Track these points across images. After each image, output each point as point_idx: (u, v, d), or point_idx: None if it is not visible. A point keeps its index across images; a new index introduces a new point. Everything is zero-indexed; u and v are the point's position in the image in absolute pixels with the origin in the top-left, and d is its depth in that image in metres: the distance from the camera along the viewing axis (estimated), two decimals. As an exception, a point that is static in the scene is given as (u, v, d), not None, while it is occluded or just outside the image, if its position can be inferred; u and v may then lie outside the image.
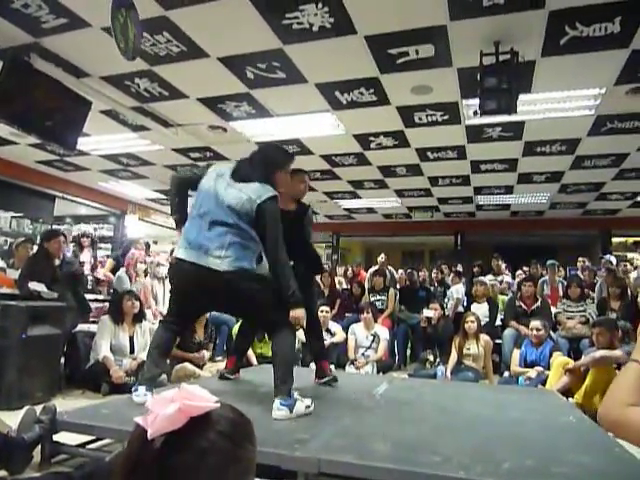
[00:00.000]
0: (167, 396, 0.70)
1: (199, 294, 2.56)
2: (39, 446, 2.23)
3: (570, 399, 3.75)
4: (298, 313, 2.53)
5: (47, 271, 4.37)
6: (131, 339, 4.40)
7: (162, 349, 2.71)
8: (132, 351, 4.37)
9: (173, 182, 2.77)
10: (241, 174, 2.56)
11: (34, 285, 4.11)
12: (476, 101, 3.76)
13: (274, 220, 2.49)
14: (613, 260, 7.02)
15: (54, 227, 7.74)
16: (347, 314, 6.55)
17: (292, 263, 3.28)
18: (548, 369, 4.36)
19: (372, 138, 5.80)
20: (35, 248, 5.20)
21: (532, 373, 4.44)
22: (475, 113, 3.82)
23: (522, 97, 3.73)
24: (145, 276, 5.69)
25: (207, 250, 2.43)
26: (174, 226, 2.78)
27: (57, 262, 4.63)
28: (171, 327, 2.72)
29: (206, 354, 4.85)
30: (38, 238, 5.80)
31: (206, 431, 0.70)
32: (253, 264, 2.49)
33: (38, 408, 2.37)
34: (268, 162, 2.65)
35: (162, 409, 0.68)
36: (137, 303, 4.48)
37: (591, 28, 3.32)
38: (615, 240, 10.11)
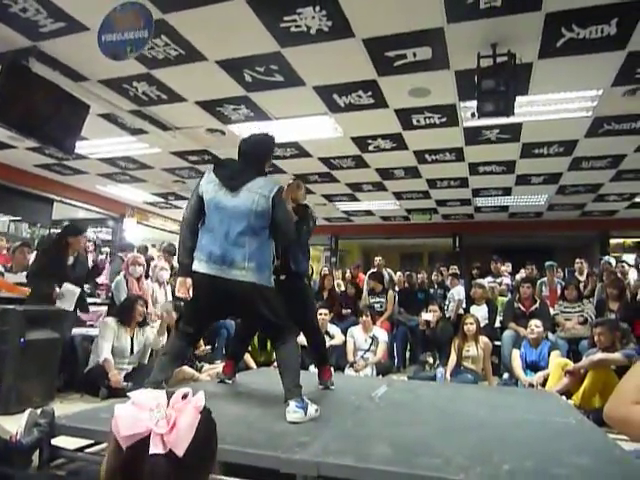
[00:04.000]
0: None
1: (220, 304, 2.63)
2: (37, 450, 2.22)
3: (569, 400, 3.75)
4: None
5: (61, 268, 4.32)
6: (132, 342, 4.38)
7: (172, 356, 2.73)
8: (132, 354, 4.35)
9: (187, 222, 2.65)
10: (241, 177, 2.57)
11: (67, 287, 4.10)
12: (473, 103, 3.77)
13: (285, 210, 2.68)
14: (612, 262, 7.02)
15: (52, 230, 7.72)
16: (343, 310, 6.50)
17: (284, 277, 3.21)
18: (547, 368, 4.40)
19: (370, 141, 5.81)
20: (33, 252, 5.15)
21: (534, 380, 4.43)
22: (473, 115, 3.83)
23: (519, 99, 3.74)
24: (146, 278, 5.64)
25: (231, 263, 2.48)
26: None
27: (70, 261, 4.57)
28: (186, 336, 2.75)
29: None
30: (51, 236, 5.73)
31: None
32: (271, 269, 2.64)
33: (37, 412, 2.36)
34: (260, 156, 2.70)
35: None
36: (144, 310, 4.49)
37: (587, 30, 3.34)
38: (613, 241, 10.12)
